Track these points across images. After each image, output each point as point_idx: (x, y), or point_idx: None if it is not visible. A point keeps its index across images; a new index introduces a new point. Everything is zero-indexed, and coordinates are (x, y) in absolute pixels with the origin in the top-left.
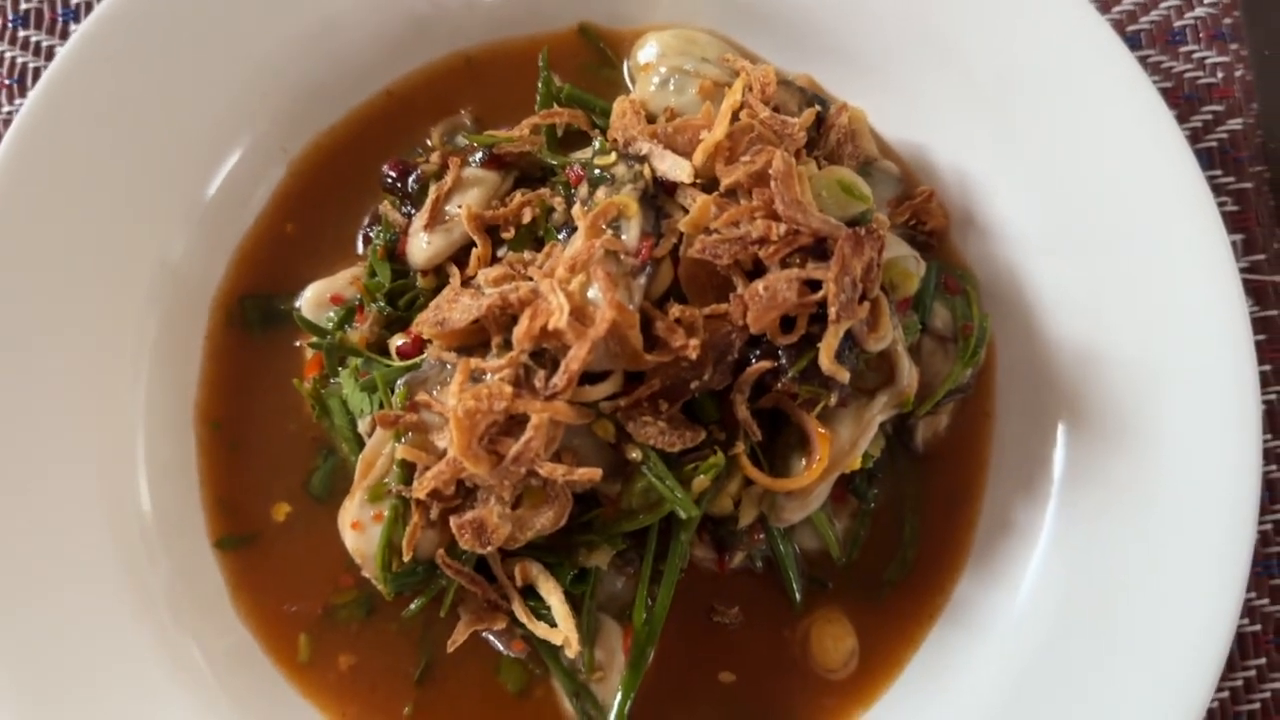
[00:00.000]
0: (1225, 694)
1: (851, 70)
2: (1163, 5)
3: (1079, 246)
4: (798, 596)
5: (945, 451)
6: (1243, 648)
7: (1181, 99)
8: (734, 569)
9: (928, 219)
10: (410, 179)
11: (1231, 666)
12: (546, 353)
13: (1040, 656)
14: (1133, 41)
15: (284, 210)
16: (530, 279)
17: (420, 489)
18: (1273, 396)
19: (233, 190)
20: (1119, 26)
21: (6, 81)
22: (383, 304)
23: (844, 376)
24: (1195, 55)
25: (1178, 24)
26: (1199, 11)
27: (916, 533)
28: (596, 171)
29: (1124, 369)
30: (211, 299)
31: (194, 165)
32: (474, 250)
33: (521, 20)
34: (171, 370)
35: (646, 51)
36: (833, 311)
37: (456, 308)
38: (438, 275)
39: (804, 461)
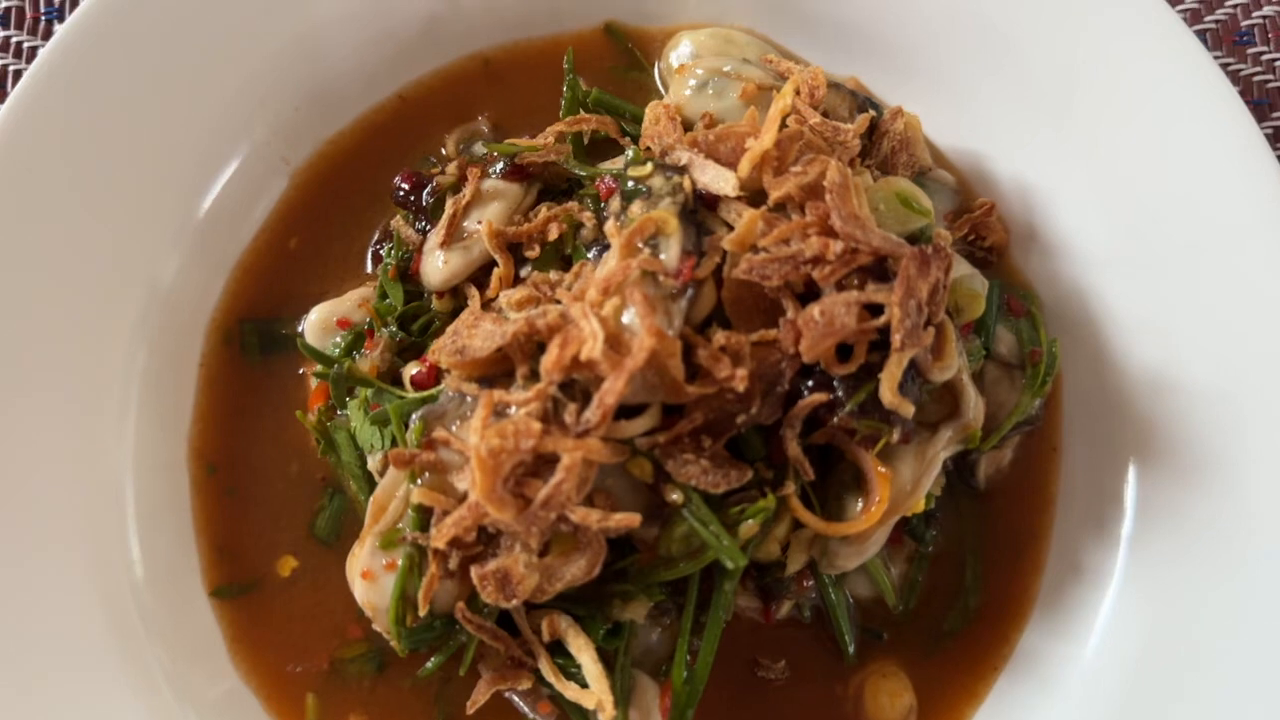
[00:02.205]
0: None
1: (899, 71)
2: (1228, 4)
3: (1150, 264)
4: (850, 649)
5: (1009, 489)
6: None
7: (1250, 104)
8: (780, 619)
9: (987, 234)
10: (424, 192)
11: None
12: (577, 384)
13: (1112, 713)
14: None
15: (286, 225)
16: (558, 302)
17: (439, 537)
18: None
19: (230, 204)
20: None
21: None
22: (395, 329)
23: (908, 410)
24: (1264, 57)
25: (1244, 24)
26: (1267, 10)
27: (978, 578)
28: (630, 184)
29: (1201, 399)
30: (207, 323)
31: (187, 176)
32: (495, 270)
33: (543, 19)
34: (163, 402)
35: (680, 52)
36: (896, 339)
37: (477, 334)
38: (455, 297)
39: (860, 503)
